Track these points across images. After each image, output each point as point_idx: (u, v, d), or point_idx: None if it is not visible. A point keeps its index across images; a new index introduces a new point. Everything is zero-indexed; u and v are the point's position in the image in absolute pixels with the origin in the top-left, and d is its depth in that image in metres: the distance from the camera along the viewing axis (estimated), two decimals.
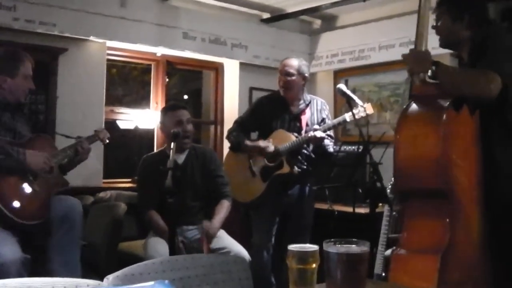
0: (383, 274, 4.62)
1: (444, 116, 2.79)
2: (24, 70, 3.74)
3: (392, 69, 6.67)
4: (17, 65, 3.72)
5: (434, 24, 3.15)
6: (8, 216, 3.31)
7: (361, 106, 4.53)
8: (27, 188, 3.48)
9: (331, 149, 4.85)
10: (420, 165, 2.84)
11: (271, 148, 4.71)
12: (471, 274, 2.74)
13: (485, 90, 2.69)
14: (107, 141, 4.34)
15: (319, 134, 4.56)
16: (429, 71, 2.80)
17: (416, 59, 2.91)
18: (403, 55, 2.95)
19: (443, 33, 3.12)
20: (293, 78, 4.74)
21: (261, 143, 4.78)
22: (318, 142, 4.66)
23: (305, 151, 4.82)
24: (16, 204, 3.39)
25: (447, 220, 2.71)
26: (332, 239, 1.65)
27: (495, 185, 2.80)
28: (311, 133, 4.59)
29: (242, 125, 4.98)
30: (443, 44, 3.18)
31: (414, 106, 2.99)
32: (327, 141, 4.76)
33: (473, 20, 3.04)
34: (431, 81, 2.85)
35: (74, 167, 4.02)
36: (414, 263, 2.78)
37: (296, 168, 4.76)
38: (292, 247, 1.68)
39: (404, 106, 3.07)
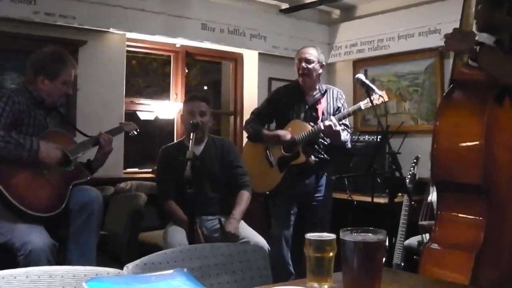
0: (402, 264, 4.63)
1: (489, 107, 2.62)
2: (65, 76, 3.79)
3: (411, 58, 6.64)
4: (58, 70, 3.76)
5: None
6: (23, 210, 3.35)
7: (379, 94, 4.52)
8: (41, 181, 3.51)
9: (349, 145, 4.87)
10: (459, 158, 2.69)
11: (288, 136, 4.73)
12: (508, 276, 2.63)
13: None
14: (135, 132, 4.45)
15: (327, 123, 4.57)
16: (472, 51, 2.66)
17: (460, 37, 2.76)
18: (445, 35, 2.80)
19: (482, 19, 2.91)
20: (313, 65, 4.78)
21: (279, 132, 4.80)
22: (332, 135, 4.66)
23: (323, 141, 4.84)
24: (30, 198, 3.42)
25: (482, 218, 2.60)
26: (348, 228, 1.66)
27: None
28: (326, 122, 4.59)
29: (259, 116, 5.04)
30: (480, 29, 2.95)
31: (456, 91, 2.84)
32: (346, 137, 4.77)
33: None
34: (473, 64, 2.72)
35: (102, 163, 4.06)
36: (447, 258, 2.68)
37: (312, 158, 4.77)
38: (310, 235, 1.70)
39: (446, 91, 2.91)
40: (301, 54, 4.84)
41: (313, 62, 4.78)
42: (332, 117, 4.64)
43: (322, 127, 4.58)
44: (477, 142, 2.61)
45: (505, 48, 2.84)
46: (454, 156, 2.72)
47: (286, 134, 4.75)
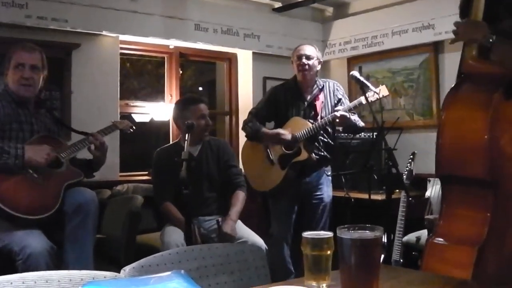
0: (401, 260, 4.63)
1: (494, 101, 2.58)
2: (15, 59, 3.65)
3: (405, 54, 6.63)
4: (8, 57, 3.67)
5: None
6: (15, 215, 3.29)
7: (374, 91, 4.51)
8: (32, 184, 3.44)
9: (361, 123, 4.85)
10: (465, 152, 2.65)
11: (289, 136, 4.71)
12: (510, 271, 2.58)
13: None
14: (131, 130, 4.36)
15: (339, 113, 4.57)
16: (486, 39, 2.62)
17: (473, 26, 2.72)
18: (456, 23, 2.78)
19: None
20: (313, 61, 4.80)
21: (280, 130, 4.78)
22: (344, 122, 4.67)
23: (323, 138, 4.83)
24: (21, 201, 3.36)
25: (488, 213, 2.56)
26: (345, 225, 1.65)
27: None
28: (334, 114, 4.59)
29: (257, 116, 5.00)
30: None
31: (463, 85, 2.79)
32: (354, 117, 4.76)
33: None
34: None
35: (102, 161, 3.99)
36: (450, 253, 2.65)
37: (313, 155, 4.76)
38: (307, 234, 1.70)
39: (454, 84, 2.85)
40: (300, 51, 4.84)
41: (312, 58, 4.80)
42: (338, 108, 4.68)
43: (338, 115, 4.57)
44: (482, 137, 2.58)
45: None
46: (458, 150, 2.70)
47: (287, 133, 4.74)
